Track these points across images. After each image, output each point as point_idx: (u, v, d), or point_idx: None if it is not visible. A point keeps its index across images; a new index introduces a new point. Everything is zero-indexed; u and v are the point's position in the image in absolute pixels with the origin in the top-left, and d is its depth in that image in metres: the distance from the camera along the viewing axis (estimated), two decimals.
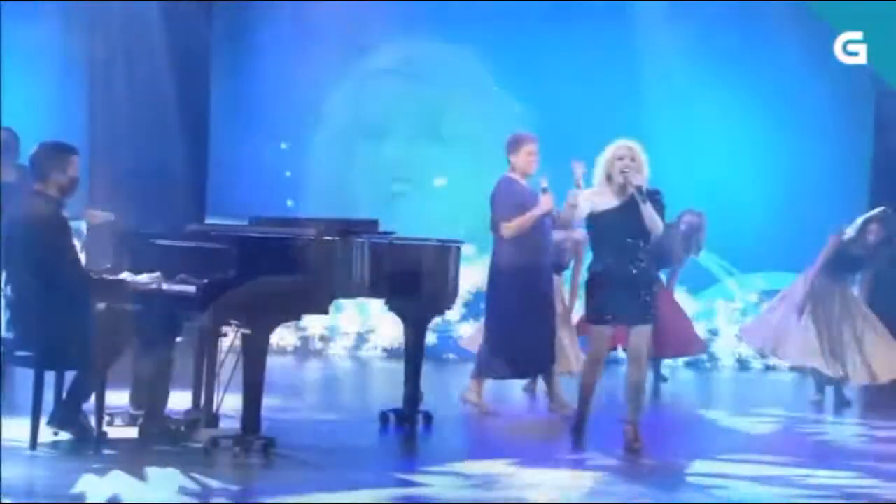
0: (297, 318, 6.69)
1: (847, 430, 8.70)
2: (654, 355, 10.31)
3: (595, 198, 6.78)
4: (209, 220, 10.63)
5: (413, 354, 7.62)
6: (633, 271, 6.71)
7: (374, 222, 7.07)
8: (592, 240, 6.93)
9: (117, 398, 6.83)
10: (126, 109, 11.10)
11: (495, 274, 8.09)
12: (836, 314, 9.49)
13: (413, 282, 7.21)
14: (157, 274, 6.39)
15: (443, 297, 7.49)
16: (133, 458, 6.08)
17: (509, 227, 7.80)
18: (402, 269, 7.08)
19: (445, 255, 7.46)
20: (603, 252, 6.78)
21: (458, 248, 7.62)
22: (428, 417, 7.60)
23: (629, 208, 6.65)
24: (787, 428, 8.61)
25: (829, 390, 9.57)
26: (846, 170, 11.98)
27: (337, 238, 6.53)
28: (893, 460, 7.03)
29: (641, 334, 6.84)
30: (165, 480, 5.61)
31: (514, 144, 8.01)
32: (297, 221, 7.24)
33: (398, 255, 7.08)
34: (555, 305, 8.31)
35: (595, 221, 6.78)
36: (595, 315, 6.81)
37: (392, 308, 7.79)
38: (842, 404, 9.47)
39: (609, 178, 6.72)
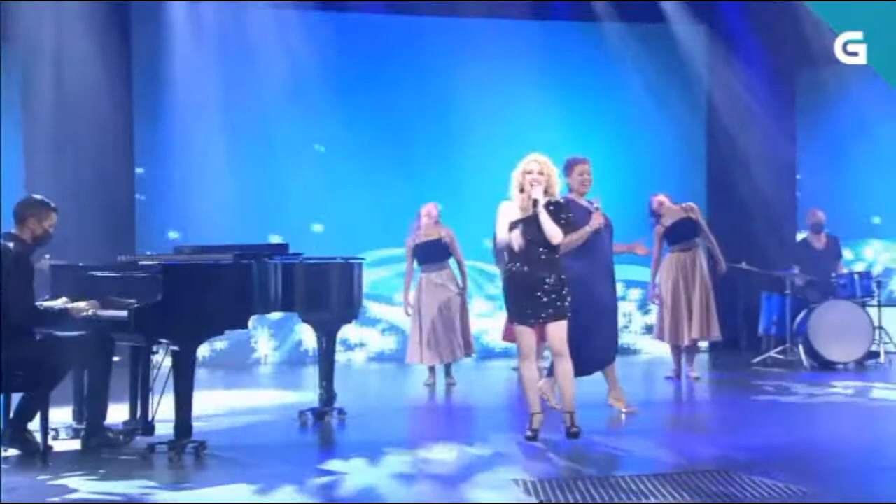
0: (220, 333, 6.61)
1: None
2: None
3: (510, 209, 6.58)
4: (139, 251, 10.41)
5: (326, 360, 7.62)
6: (544, 275, 6.52)
7: (285, 245, 7.06)
8: (508, 247, 6.61)
9: (61, 414, 6.74)
10: (59, 151, 10.83)
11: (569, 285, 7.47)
12: (695, 283, 9.54)
13: (322, 296, 7.20)
14: (93, 301, 6.29)
15: (349, 307, 7.48)
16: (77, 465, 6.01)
17: (562, 244, 7.09)
18: (311, 285, 7.06)
19: (349, 270, 7.45)
20: (517, 258, 6.55)
21: (361, 264, 7.62)
22: (342, 413, 7.59)
23: (538, 218, 6.47)
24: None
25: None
26: (685, 174, 12.26)
27: (252, 261, 6.50)
28: None
29: (558, 329, 6.58)
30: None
31: (569, 166, 7.50)
32: (217, 248, 7.14)
33: (307, 273, 7.05)
34: (616, 308, 7.76)
35: (510, 230, 6.53)
36: (515, 316, 6.62)
37: (305, 320, 7.79)
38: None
39: (522, 190, 6.55)
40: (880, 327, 10.86)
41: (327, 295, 7.23)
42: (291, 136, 11.54)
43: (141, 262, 6.73)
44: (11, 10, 10.65)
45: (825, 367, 10.39)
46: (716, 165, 12.53)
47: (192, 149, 11.44)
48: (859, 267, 11.79)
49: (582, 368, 7.30)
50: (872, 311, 10.73)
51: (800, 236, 11.65)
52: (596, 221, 7.25)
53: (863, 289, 10.88)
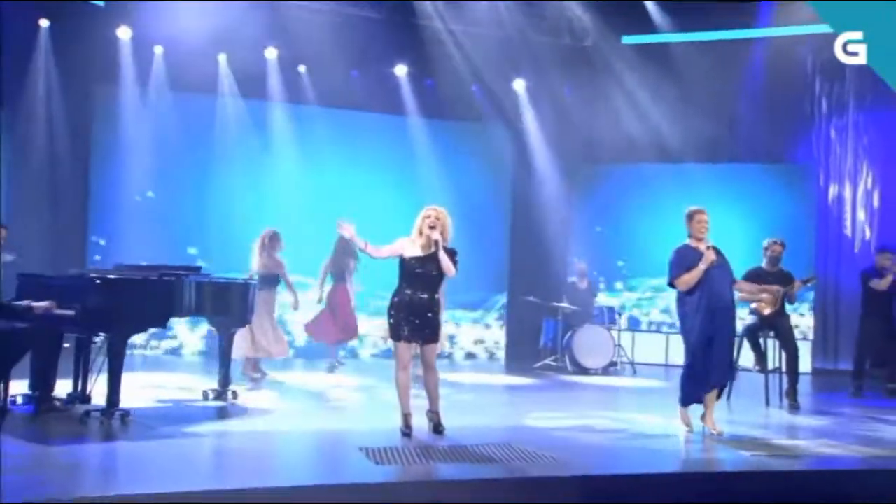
0: (145, 331, 6.55)
1: None
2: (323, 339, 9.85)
3: (409, 245, 6.00)
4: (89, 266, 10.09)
5: (225, 353, 7.52)
6: (431, 303, 5.96)
7: (199, 267, 7.01)
8: (400, 275, 6.00)
9: (20, 386, 6.53)
10: (30, 185, 10.38)
11: (684, 317, 6.50)
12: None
13: (225, 305, 7.19)
14: (51, 302, 6.14)
15: (243, 315, 7.46)
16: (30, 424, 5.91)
17: (680, 282, 6.43)
18: (216, 297, 7.05)
19: (245, 288, 7.46)
20: (405, 286, 5.97)
21: (254, 284, 7.64)
22: (235, 394, 7.49)
23: (431, 256, 5.93)
24: None
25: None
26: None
27: (173, 278, 6.47)
28: None
29: (432, 348, 6.02)
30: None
31: (690, 216, 6.59)
32: (147, 267, 7.05)
33: (214, 288, 7.05)
34: (733, 338, 6.60)
35: (406, 263, 5.96)
36: (398, 334, 5.96)
37: (210, 323, 7.70)
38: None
39: (421, 232, 5.99)
40: (619, 345, 11.43)
41: (228, 305, 7.21)
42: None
43: (88, 275, 6.61)
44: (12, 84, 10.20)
45: (582, 371, 10.82)
46: (518, 228, 12.73)
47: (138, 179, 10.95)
48: (610, 302, 12.34)
49: (695, 395, 6.53)
50: (614, 333, 11.29)
51: (569, 279, 12.10)
52: (708, 258, 6.38)
53: (609, 318, 11.43)
